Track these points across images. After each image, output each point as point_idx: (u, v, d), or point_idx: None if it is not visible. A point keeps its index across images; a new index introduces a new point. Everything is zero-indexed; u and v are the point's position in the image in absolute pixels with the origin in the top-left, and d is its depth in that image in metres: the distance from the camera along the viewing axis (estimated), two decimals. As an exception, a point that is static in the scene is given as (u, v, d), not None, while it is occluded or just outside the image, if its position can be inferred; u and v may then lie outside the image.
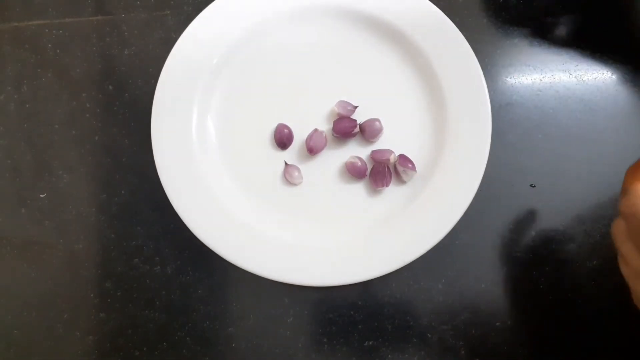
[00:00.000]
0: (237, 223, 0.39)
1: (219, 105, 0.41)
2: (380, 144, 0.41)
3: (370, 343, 0.39)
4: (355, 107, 0.40)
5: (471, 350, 0.38)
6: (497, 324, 0.38)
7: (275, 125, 0.41)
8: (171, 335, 0.39)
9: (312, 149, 0.40)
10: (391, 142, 0.40)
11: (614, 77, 0.43)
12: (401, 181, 0.40)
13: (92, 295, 0.40)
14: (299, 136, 0.41)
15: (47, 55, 0.44)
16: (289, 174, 0.40)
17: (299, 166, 0.40)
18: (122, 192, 0.42)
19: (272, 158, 0.41)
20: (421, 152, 0.40)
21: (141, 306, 0.40)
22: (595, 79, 0.43)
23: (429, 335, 0.38)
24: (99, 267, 0.41)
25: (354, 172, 0.39)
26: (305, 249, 0.38)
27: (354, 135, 0.40)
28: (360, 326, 0.39)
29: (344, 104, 0.40)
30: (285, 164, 0.40)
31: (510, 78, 0.43)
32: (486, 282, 0.39)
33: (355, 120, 0.40)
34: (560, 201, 0.40)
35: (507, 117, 0.42)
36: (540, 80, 0.43)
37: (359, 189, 0.40)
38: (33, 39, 0.44)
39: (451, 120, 0.39)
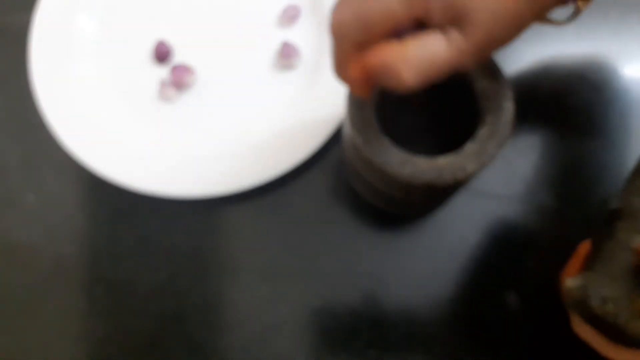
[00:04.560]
0: (115, 137, 0.40)
1: (102, 17, 0.43)
2: None
3: (373, 352, 0.37)
4: None
5: (479, 360, 0.37)
6: (510, 335, 0.37)
7: (157, 40, 0.42)
8: (164, 343, 0.38)
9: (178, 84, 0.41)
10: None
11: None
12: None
13: (81, 301, 0.39)
14: (180, 52, 0.42)
15: (37, 52, 0.43)
16: (164, 92, 0.41)
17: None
18: (113, 194, 0.40)
19: (150, 73, 0.42)
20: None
21: (133, 313, 0.39)
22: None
23: (435, 346, 0.37)
24: (89, 272, 0.40)
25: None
26: (193, 161, 0.40)
27: None
28: (362, 335, 0.38)
29: None
30: (162, 82, 0.41)
31: (521, 72, 0.42)
32: (496, 290, 0.38)
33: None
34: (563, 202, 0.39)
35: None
36: (550, 75, 0.42)
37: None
38: (20, 34, 0.43)
39: None
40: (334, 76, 0.27)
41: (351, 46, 0.25)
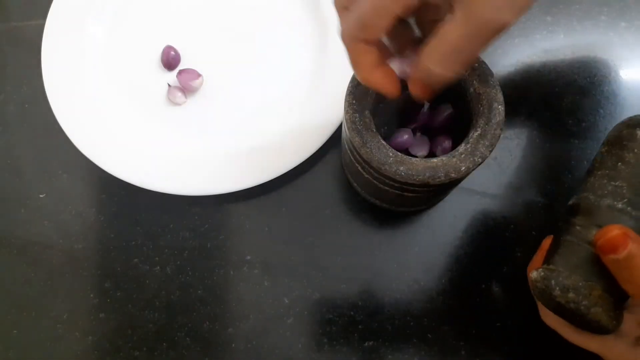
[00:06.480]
0: (125, 138, 0.41)
1: (111, 24, 0.44)
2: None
3: (371, 343, 0.38)
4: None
5: (471, 350, 0.38)
6: (498, 324, 0.38)
7: (164, 46, 0.43)
8: (171, 335, 0.39)
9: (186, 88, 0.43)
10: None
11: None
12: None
13: (91, 295, 0.40)
14: (187, 57, 0.44)
15: (47, 55, 0.44)
16: (172, 95, 0.42)
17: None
18: (122, 192, 0.42)
19: (158, 78, 0.43)
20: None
21: (141, 306, 0.40)
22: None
23: (429, 336, 0.38)
24: (99, 267, 0.41)
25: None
26: (199, 161, 0.41)
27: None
28: (360, 326, 0.39)
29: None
30: (169, 85, 0.42)
31: (512, 76, 0.43)
32: (486, 283, 0.39)
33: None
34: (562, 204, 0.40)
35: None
36: (540, 79, 0.43)
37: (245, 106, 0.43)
38: (33, 39, 0.44)
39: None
40: (362, 81, 0.28)
41: (366, 51, 0.26)
